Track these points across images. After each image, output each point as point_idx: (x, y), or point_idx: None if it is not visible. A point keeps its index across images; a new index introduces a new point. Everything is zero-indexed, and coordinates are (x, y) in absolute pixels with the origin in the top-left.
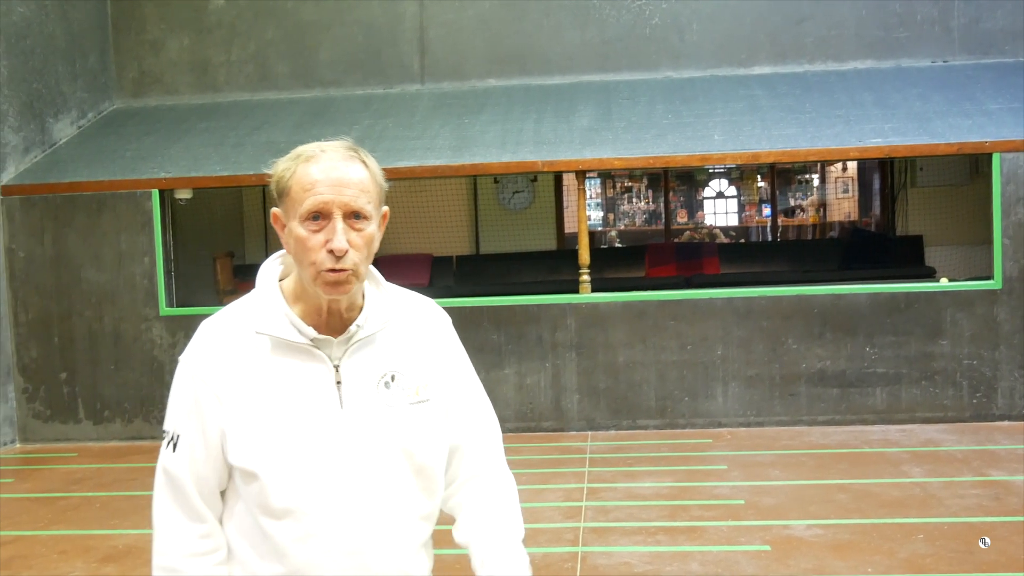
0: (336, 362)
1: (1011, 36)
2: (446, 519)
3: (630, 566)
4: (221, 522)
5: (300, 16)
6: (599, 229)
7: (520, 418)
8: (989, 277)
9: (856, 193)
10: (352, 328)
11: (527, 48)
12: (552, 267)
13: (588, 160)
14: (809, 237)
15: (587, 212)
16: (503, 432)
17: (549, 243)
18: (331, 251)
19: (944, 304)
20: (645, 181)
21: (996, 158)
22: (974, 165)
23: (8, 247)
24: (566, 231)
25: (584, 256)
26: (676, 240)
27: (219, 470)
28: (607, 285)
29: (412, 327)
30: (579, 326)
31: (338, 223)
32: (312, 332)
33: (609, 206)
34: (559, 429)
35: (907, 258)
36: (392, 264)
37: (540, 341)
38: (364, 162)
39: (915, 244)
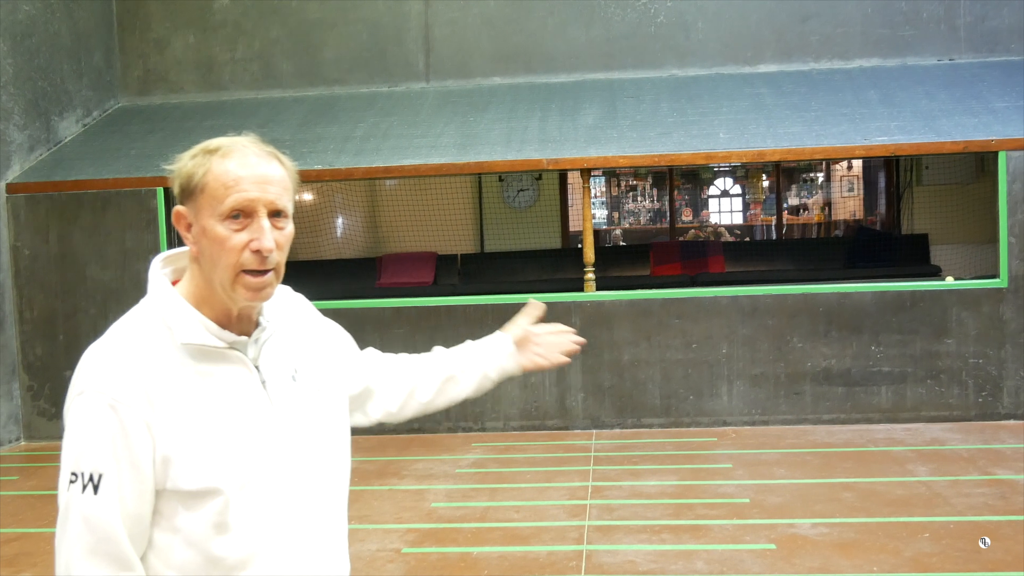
0: (254, 362)
1: (1017, 34)
2: None
3: (635, 564)
4: (145, 563)
5: (305, 14)
6: (604, 227)
7: (525, 416)
8: (995, 276)
9: (861, 191)
10: (262, 324)
11: (532, 46)
12: (557, 265)
13: (593, 158)
14: (814, 236)
15: (592, 210)
16: (507, 430)
17: (554, 241)
18: (257, 251)
19: (950, 303)
20: (650, 179)
21: (1002, 156)
22: (980, 163)
23: (13, 245)
24: (571, 229)
25: (589, 254)
26: (681, 239)
27: (150, 503)
28: (612, 284)
29: (292, 318)
30: (584, 324)
31: (264, 221)
32: (231, 336)
33: (614, 204)
34: (564, 427)
35: (912, 257)
36: (397, 262)
37: None
38: (279, 159)
39: (921, 243)
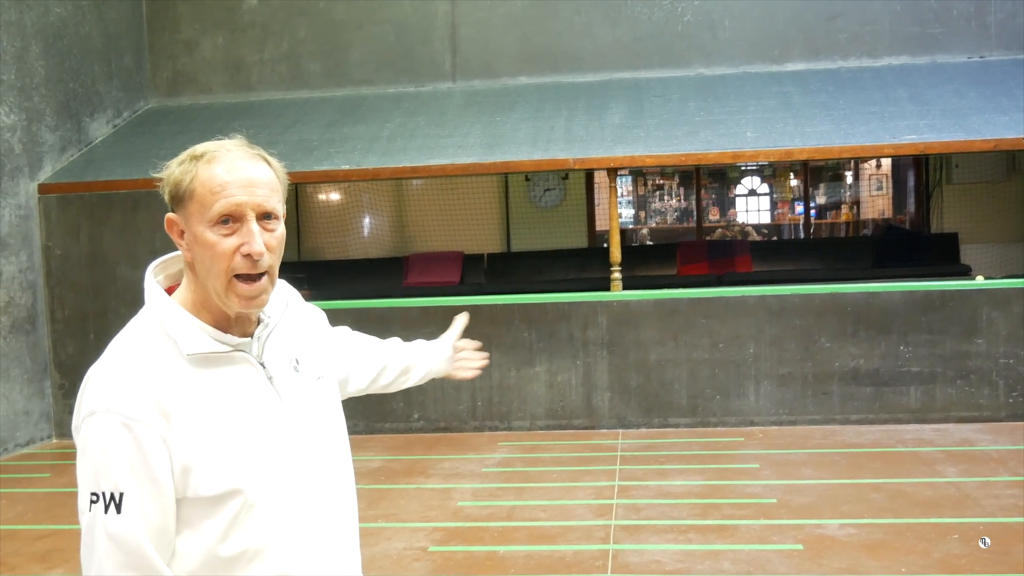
0: (259, 360)
1: None
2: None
3: (661, 564)
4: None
5: (332, 15)
6: (630, 227)
7: (551, 416)
8: None
9: (890, 190)
10: (264, 321)
11: (558, 46)
12: (583, 265)
13: (619, 158)
14: (842, 235)
15: (618, 210)
16: (534, 429)
17: (580, 241)
18: (248, 255)
19: (980, 302)
20: (677, 179)
21: None
22: (1010, 162)
23: (45, 245)
24: (597, 229)
25: (615, 254)
26: (708, 238)
27: (173, 514)
28: (638, 283)
29: (288, 308)
30: (610, 324)
31: (253, 225)
32: (232, 338)
33: (640, 204)
34: (590, 427)
35: (942, 256)
36: (424, 262)
37: (571, 339)
38: (267, 160)
39: (950, 242)
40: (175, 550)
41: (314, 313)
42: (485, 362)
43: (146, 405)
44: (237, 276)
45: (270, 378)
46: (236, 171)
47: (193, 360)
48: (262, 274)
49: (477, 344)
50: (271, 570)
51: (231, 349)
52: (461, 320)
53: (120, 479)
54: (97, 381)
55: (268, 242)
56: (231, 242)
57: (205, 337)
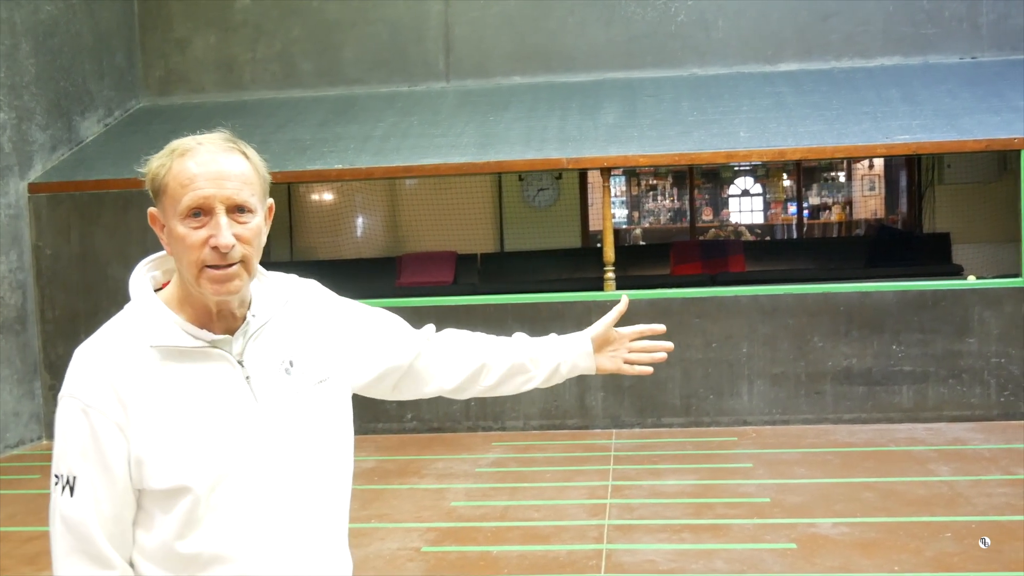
0: (239, 358)
1: None
2: None
3: (655, 564)
4: (131, 563)
5: (325, 14)
6: (624, 227)
7: (545, 416)
8: (1017, 275)
9: (883, 190)
10: (249, 319)
11: (552, 45)
12: (576, 265)
13: (613, 157)
14: (835, 235)
15: (612, 210)
16: (527, 429)
17: (574, 241)
18: (215, 247)
19: (972, 302)
20: (670, 179)
21: None
22: (1002, 162)
23: (35, 244)
24: (591, 229)
25: (609, 254)
26: (701, 238)
27: (131, 504)
28: (632, 283)
29: (295, 308)
30: None
31: (221, 218)
32: (208, 334)
33: (634, 204)
34: (584, 427)
35: (934, 256)
36: (417, 262)
37: None
38: (244, 153)
39: (942, 242)
40: (136, 541)
41: (352, 311)
42: (663, 355)
43: (105, 393)
44: (207, 266)
45: (247, 377)
46: (206, 164)
47: (163, 353)
48: (233, 264)
49: (653, 329)
50: (231, 574)
51: (205, 345)
52: (619, 306)
53: (74, 463)
54: (71, 366)
55: (239, 234)
56: (200, 234)
57: (176, 331)
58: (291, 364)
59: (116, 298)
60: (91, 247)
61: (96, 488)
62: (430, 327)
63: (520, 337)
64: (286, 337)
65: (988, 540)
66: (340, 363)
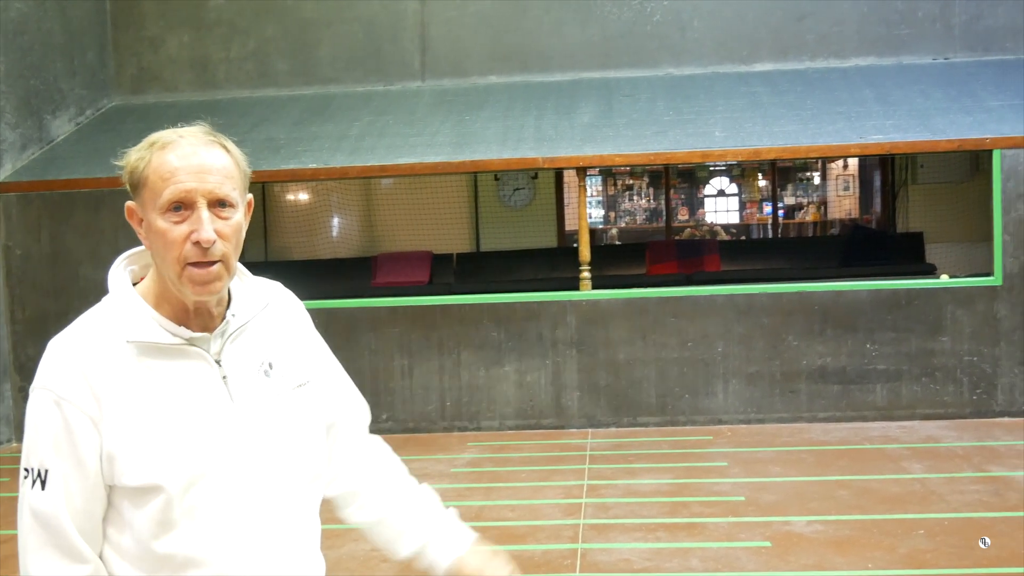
0: (216, 357)
1: (1012, 33)
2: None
3: (630, 563)
4: (102, 559)
5: (300, 13)
6: (600, 227)
7: (520, 415)
8: (989, 274)
9: (857, 190)
10: (228, 318)
11: (528, 45)
12: (553, 264)
13: (589, 157)
14: (810, 234)
15: (588, 209)
16: (503, 429)
17: (550, 240)
18: (197, 243)
19: (944, 301)
20: (646, 179)
21: (996, 155)
22: (975, 162)
23: (5, 245)
24: (567, 228)
25: (585, 253)
26: (677, 237)
27: (101, 499)
28: (608, 282)
29: (275, 313)
30: (579, 323)
31: (203, 212)
32: (186, 332)
33: (610, 204)
34: (559, 426)
35: (908, 255)
36: (392, 262)
37: (540, 338)
38: (225, 147)
39: (916, 241)
40: (108, 537)
41: (310, 331)
42: None
43: (79, 386)
44: (190, 264)
45: (224, 377)
46: (187, 157)
47: (139, 348)
48: (215, 262)
49: None
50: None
51: (182, 342)
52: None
53: (46, 456)
54: (44, 358)
55: (221, 230)
56: (181, 229)
57: (154, 327)
58: (270, 366)
59: (87, 298)
60: (62, 247)
61: (68, 482)
62: (377, 438)
63: (425, 498)
64: (266, 339)
65: (988, 540)
66: (319, 369)
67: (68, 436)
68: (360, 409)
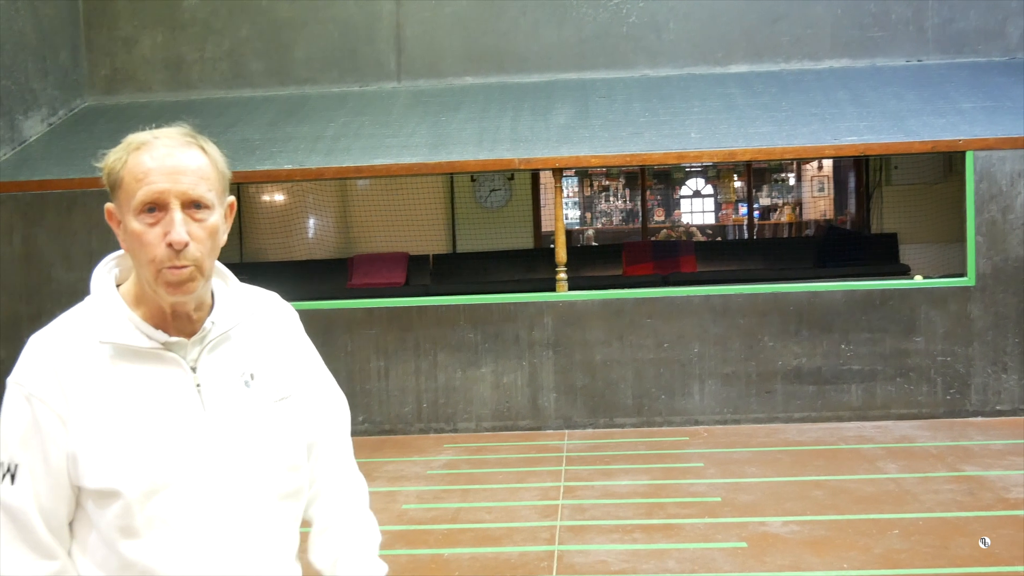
0: (192, 364)
1: (984, 36)
2: None
3: (607, 564)
4: (71, 556)
5: (275, 13)
6: (576, 228)
7: (497, 417)
8: (962, 274)
9: (832, 191)
10: (207, 326)
11: (504, 46)
12: (529, 265)
13: (565, 158)
14: (785, 235)
15: (564, 210)
16: (480, 431)
17: (526, 242)
18: (170, 245)
19: (918, 301)
20: (622, 180)
21: (969, 156)
22: (948, 163)
23: None
24: (543, 230)
25: (561, 254)
26: (653, 239)
27: (67, 499)
28: (584, 283)
29: (264, 323)
30: (556, 324)
31: (176, 214)
32: (162, 336)
33: (586, 205)
34: (536, 428)
35: (882, 256)
36: (368, 263)
37: (517, 340)
38: (203, 148)
39: (890, 242)
40: (76, 536)
41: (302, 344)
42: None
43: (50, 383)
44: (166, 267)
45: (198, 385)
46: (162, 158)
47: (113, 350)
48: (187, 266)
49: None
50: None
51: (156, 346)
52: None
53: (15, 451)
54: (21, 354)
55: (195, 232)
56: (156, 231)
57: (130, 329)
58: (252, 377)
59: (60, 301)
60: (34, 249)
61: (36, 479)
62: (339, 454)
63: (363, 549)
64: (250, 349)
65: (988, 540)
66: (304, 384)
67: (36, 433)
68: (340, 436)
